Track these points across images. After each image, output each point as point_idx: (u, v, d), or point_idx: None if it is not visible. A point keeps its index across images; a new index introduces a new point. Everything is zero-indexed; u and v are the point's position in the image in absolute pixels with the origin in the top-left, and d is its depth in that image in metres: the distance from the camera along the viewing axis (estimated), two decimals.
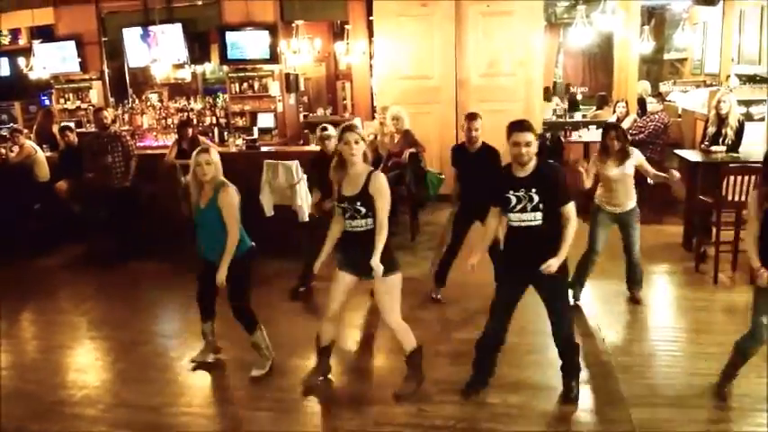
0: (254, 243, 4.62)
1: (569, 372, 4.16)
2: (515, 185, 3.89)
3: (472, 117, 5.63)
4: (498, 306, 4.12)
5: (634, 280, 5.65)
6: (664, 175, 5.51)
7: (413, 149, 7.56)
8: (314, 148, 8.46)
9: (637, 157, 5.39)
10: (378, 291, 4.13)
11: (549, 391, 4.26)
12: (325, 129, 5.89)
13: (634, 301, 5.64)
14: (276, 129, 10.26)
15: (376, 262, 3.92)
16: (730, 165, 6.20)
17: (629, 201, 5.42)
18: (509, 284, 4.12)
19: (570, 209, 3.88)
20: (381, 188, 3.96)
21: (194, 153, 4.42)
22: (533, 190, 3.83)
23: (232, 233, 4.36)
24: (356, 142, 3.95)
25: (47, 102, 11.64)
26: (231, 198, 4.38)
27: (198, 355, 4.88)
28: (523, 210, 3.87)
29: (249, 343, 4.64)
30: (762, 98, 7.94)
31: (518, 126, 3.87)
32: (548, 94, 12.18)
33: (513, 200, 3.89)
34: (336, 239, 4.24)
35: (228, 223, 4.35)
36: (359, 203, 3.97)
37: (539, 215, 3.86)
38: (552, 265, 3.83)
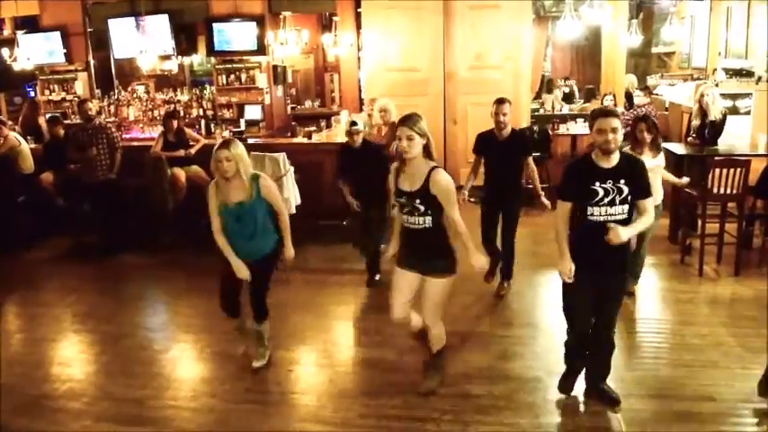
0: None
1: (604, 374, 4.02)
2: (601, 177, 3.59)
3: (500, 101, 5.40)
4: (579, 313, 3.89)
5: (632, 272, 5.43)
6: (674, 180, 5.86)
7: None
8: (301, 140, 8.48)
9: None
10: (431, 290, 3.91)
11: (535, 383, 4.28)
12: (354, 123, 5.90)
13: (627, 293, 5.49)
14: (263, 121, 10.21)
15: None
16: (716, 158, 6.24)
17: (658, 195, 5.33)
18: (582, 289, 3.77)
19: (650, 202, 3.71)
20: (444, 185, 3.72)
21: (215, 148, 4.17)
22: (622, 181, 3.58)
23: (285, 213, 4.41)
24: (409, 138, 3.69)
25: (32, 93, 11.51)
26: (272, 185, 4.37)
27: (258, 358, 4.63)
28: (612, 203, 3.59)
29: (254, 332, 4.61)
30: (748, 92, 7.98)
31: (602, 112, 3.64)
32: (550, 86, 12.26)
33: (601, 192, 3.59)
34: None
35: (279, 206, 4.37)
36: (418, 201, 3.75)
37: (626, 208, 3.62)
38: (620, 233, 3.52)
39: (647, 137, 5.24)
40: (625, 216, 3.62)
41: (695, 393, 4.08)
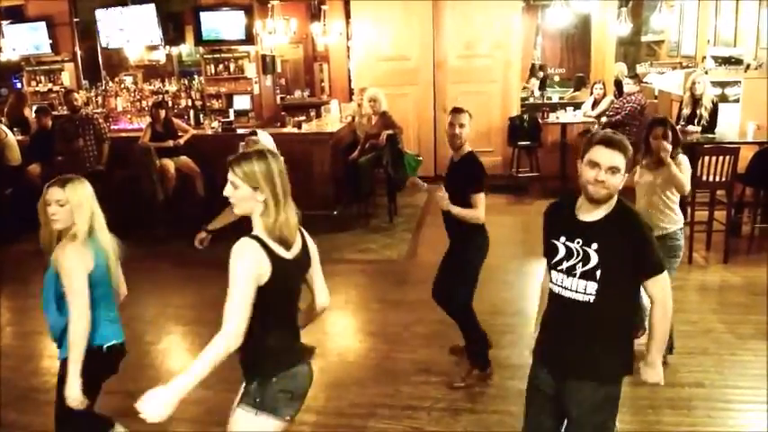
0: (118, 341, 3.17)
1: None
2: (572, 231, 2.46)
3: (457, 111, 4.05)
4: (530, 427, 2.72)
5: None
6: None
7: (390, 131, 7.56)
8: (291, 130, 8.43)
9: (681, 162, 4.13)
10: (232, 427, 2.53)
11: (526, 370, 4.24)
12: (254, 133, 4.82)
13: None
14: (252, 111, 10.14)
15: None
16: (705, 145, 6.27)
17: (668, 222, 4.22)
18: (536, 393, 2.71)
19: (661, 281, 2.47)
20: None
21: (46, 185, 2.97)
22: (594, 245, 2.39)
23: (74, 314, 2.79)
24: (233, 185, 2.41)
25: (18, 84, 11.40)
26: (71, 258, 2.82)
27: None
28: (570, 272, 2.44)
29: None
30: (737, 79, 8.00)
31: (604, 139, 2.39)
32: (534, 71, 12.34)
33: (562, 251, 2.47)
34: None
35: (68, 299, 2.79)
36: None
37: (591, 287, 2.40)
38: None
39: (667, 147, 4.00)
40: (589, 298, 2.41)
41: (685, 380, 4.11)
